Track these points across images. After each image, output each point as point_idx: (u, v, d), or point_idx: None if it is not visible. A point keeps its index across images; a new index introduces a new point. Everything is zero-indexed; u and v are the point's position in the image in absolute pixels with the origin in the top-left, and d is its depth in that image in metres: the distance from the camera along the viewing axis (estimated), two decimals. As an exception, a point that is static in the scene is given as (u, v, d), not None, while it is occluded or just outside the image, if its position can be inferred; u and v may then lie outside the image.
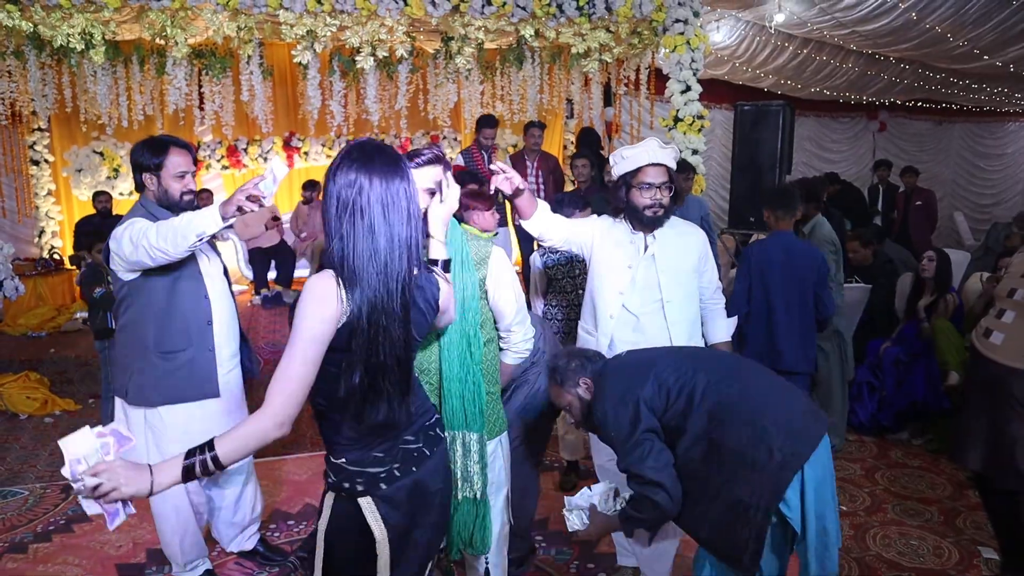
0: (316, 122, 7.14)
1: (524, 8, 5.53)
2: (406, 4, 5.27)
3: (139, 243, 2.44)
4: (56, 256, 8.05)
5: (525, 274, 5.19)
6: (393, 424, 1.67)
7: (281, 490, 3.88)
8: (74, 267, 7.49)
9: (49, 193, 8.31)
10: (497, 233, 2.67)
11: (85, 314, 6.36)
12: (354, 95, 6.86)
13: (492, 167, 2.52)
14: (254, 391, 3.24)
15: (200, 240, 2.39)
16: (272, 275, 8.27)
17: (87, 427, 1.48)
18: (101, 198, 7.50)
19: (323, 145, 8.94)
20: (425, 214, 1.92)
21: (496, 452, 2.39)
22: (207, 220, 2.37)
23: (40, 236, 8.32)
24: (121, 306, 2.71)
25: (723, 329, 3.01)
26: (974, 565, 3.20)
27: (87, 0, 4.92)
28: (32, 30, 5.09)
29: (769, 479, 2.00)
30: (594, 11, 5.63)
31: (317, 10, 5.18)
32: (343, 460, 1.66)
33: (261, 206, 2.37)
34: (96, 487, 1.40)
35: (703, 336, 2.96)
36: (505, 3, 5.43)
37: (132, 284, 2.63)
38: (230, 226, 2.45)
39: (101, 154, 8.28)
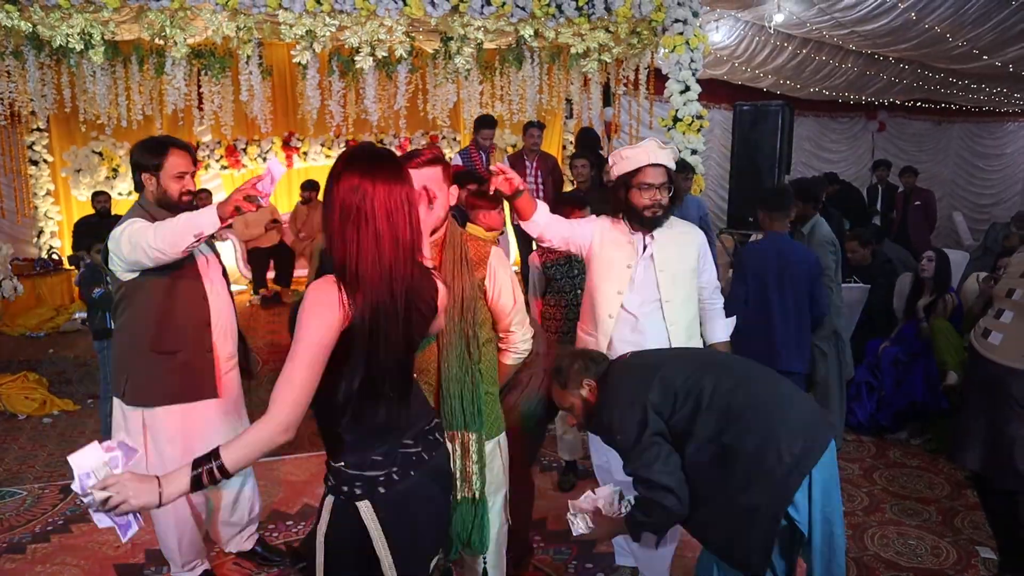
0: (315, 122, 7.14)
1: (523, 8, 5.53)
2: (405, 4, 5.27)
3: (137, 243, 2.44)
4: (55, 256, 8.04)
5: (524, 274, 5.19)
6: (393, 427, 1.67)
7: (279, 490, 3.88)
8: (73, 267, 7.48)
9: (48, 193, 8.30)
10: (503, 232, 2.67)
11: (84, 314, 6.36)
12: (353, 95, 6.85)
13: (492, 168, 2.52)
14: (252, 392, 3.25)
15: (198, 240, 2.39)
16: (271, 275, 8.26)
17: (95, 442, 1.50)
18: (100, 198, 7.49)
19: (322, 145, 8.94)
20: None
21: (495, 452, 2.38)
22: (205, 220, 2.37)
23: (39, 236, 8.31)
24: (119, 306, 2.71)
25: (722, 329, 3.01)
26: (972, 565, 3.20)
27: (86, 0, 4.92)
28: (31, 30, 5.09)
29: (778, 482, 1.99)
30: (593, 11, 5.63)
31: (316, 10, 5.18)
32: (342, 464, 1.66)
33: (259, 207, 2.37)
34: (106, 500, 1.42)
35: (702, 336, 2.96)
36: (504, 3, 5.43)
37: (131, 284, 2.63)
38: (229, 226, 2.45)
39: (100, 154, 8.27)
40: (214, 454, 1.48)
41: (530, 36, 5.75)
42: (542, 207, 2.71)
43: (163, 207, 2.67)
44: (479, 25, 5.57)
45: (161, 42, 5.45)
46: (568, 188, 7.20)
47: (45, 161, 8.25)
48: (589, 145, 6.75)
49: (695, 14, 5.75)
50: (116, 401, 2.78)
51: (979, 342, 2.95)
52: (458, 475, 2.21)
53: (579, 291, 3.55)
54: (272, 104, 7.09)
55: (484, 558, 2.45)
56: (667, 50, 5.79)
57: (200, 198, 6.46)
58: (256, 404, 4.89)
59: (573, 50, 5.98)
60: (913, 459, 4.31)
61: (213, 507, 3.10)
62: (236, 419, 2.90)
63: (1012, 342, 2.83)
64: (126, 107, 6.32)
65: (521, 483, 2.85)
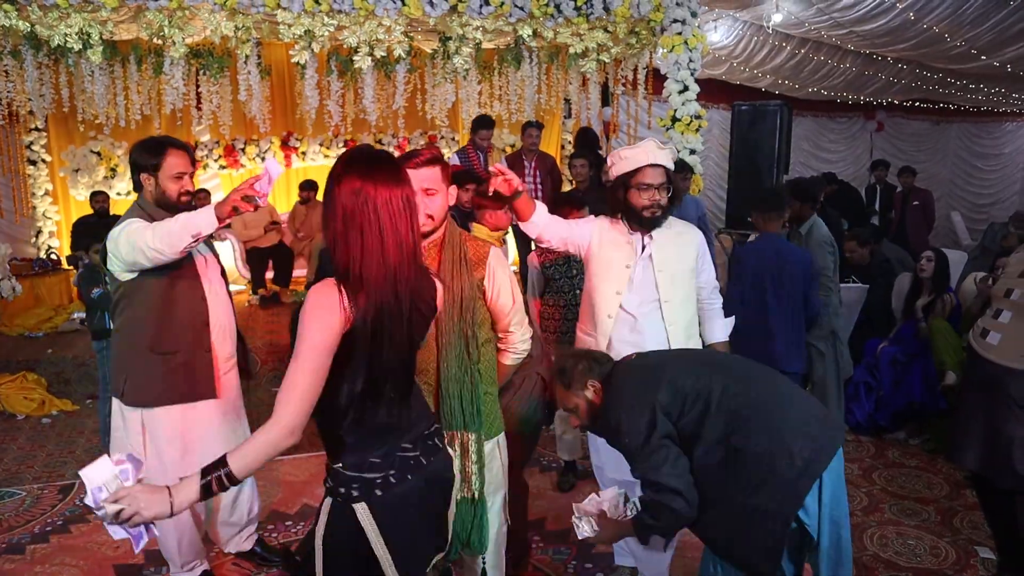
0: (314, 122, 7.13)
1: (522, 8, 5.53)
2: (404, 4, 5.27)
3: (135, 244, 2.44)
4: (53, 256, 8.03)
5: (523, 274, 5.19)
6: (393, 427, 1.67)
7: (278, 491, 3.88)
8: (71, 267, 7.48)
9: (46, 193, 8.29)
10: (509, 231, 2.68)
11: (83, 314, 6.35)
12: (352, 95, 6.85)
13: (491, 169, 2.52)
14: (251, 392, 3.25)
15: (196, 241, 2.39)
16: (270, 275, 8.26)
17: (105, 456, 1.54)
18: (98, 198, 7.49)
19: (321, 145, 8.93)
20: None
21: (494, 452, 2.38)
22: (202, 221, 2.37)
23: (37, 236, 8.30)
24: (118, 307, 2.71)
25: (721, 329, 3.02)
26: (971, 565, 3.20)
27: (84, 0, 4.91)
28: (29, 30, 5.08)
29: (789, 486, 1.98)
30: (592, 11, 5.63)
31: (315, 10, 5.18)
32: (340, 465, 1.66)
33: (257, 207, 2.36)
34: (119, 513, 1.45)
35: (700, 336, 2.97)
36: (503, 3, 5.43)
37: (129, 284, 2.63)
38: (228, 226, 2.45)
39: (98, 154, 8.26)
40: (222, 461, 1.50)
41: (528, 36, 5.75)
42: (541, 208, 2.71)
43: (162, 207, 2.67)
44: (477, 25, 5.57)
45: (159, 42, 5.45)
46: (567, 188, 7.21)
47: (43, 161, 8.24)
48: (588, 145, 6.76)
49: (693, 14, 5.75)
50: (115, 401, 2.78)
51: (977, 342, 2.96)
52: (458, 475, 2.20)
53: (578, 291, 3.55)
54: (271, 104, 7.09)
55: (483, 558, 2.45)
56: (665, 50, 5.79)
57: (199, 198, 6.46)
58: (255, 404, 4.91)
59: (572, 50, 5.98)
60: (912, 459, 4.32)
61: (212, 507, 3.09)
62: (235, 419, 2.90)
63: (1010, 342, 2.83)
64: (124, 107, 6.31)
65: (515, 484, 2.85)
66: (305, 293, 8.53)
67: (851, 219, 7.50)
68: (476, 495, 2.24)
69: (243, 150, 8.72)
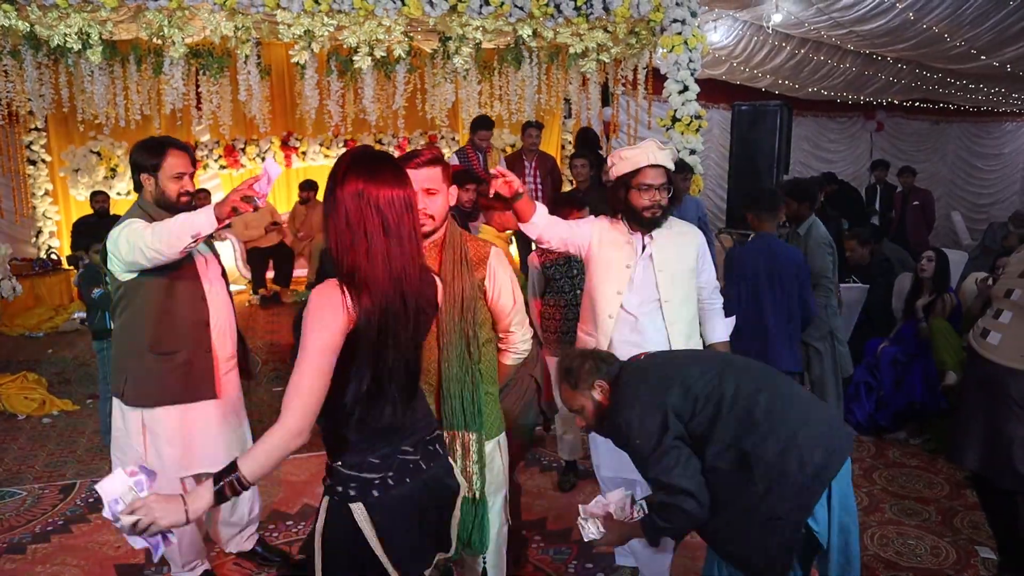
0: (314, 122, 7.13)
1: (522, 8, 5.53)
2: (404, 4, 5.27)
3: (135, 244, 2.44)
4: (53, 256, 8.04)
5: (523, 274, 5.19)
6: (396, 428, 1.68)
7: (279, 490, 3.88)
8: (72, 267, 7.48)
9: (46, 193, 8.30)
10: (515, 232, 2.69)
11: (83, 314, 6.36)
12: (352, 95, 6.86)
13: (492, 171, 2.52)
14: (252, 392, 3.25)
15: (195, 241, 2.39)
16: (270, 275, 8.26)
17: (119, 468, 1.58)
18: (98, 198, 7.49)
19: (321, 145, 8.94)
20: None
21: (495, 452, 2.39)
22: (202, 221, 2.37)
23: (37, 236, 8.31)
24: (119, 307, 2.71)
25: (721, 329, 3.02)
26: (971, 565, 3.20)
27: (84, 0, 4.91)
28: (29, 30, 5.08)
29: (800, 491, 1.96)
30: (592, 11, 5.63)
31: (314, 10, 5.18)
32: (340, 463, 1.66)
33: (256, 208, 2.36)
34: (135, 523, 1.48)
35: (701, 336, 2.97)
36: (503, 3, 5.43)
37: (129, 285, 2.63)
38: (228, 226, 2.45)
39: (98, 154, 8.27)
40: (232, 466, 1.52)
41: (528, 36, 5.75)
42: (541, 209, 2.71)
43: (162, 207, 2.67)
44: (477, 25, 5.57)
45: (159, 42, 5.45)
46: (567, 188, 7.21)
47: (43, 161, 8.24)
48: (588, 145, 6.76)
49: (693, 14, 5.75)
50: (115, 401, 2.78)
51: (978, 342, 2.95)
52: (458, 475, 2.20)
53: (578, 291, 3.55)
54: (270, 104, 7.09)
55: (484, 558, 2.45)
56: (665, 50, 5.79)
57: (199, 198, 6.46)
58: (255, 404, 4.91)
59: (572, 50, 5.97)
60: (912, 459, 4.32)
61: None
62: (235, 420, 2.90)
63: (1011, 342, 2.83)
64: (124, 107, 6.32)
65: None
66: (305, 293, 8.58)
67: (851, 219, 7.51)
68: (477, 495, 2.24)
69: (243, 150, 8.72)
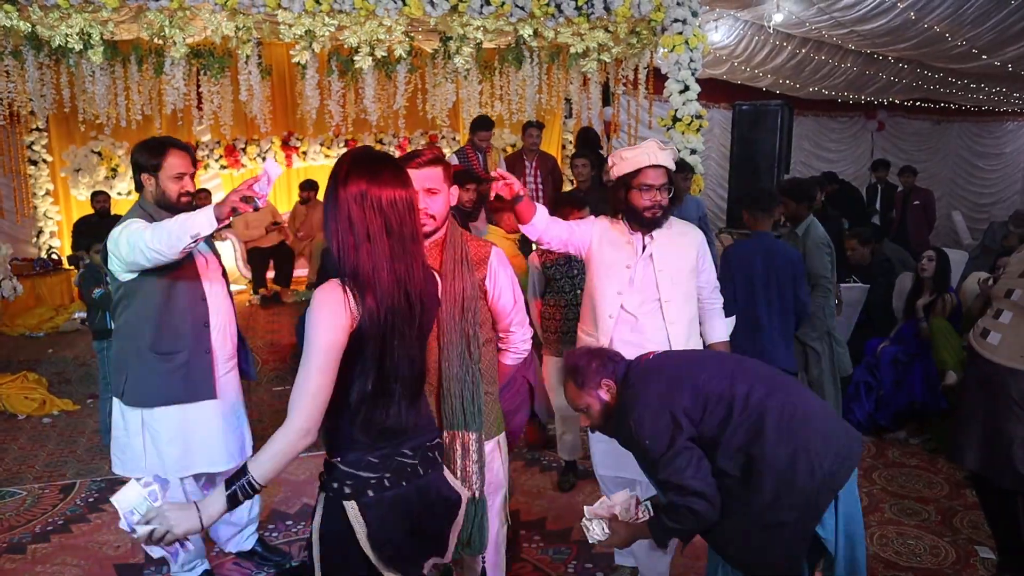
0: (314, 122, 7.15)
1: (523, 8, 5.53)
2: (404, 4, 5.27)
3: (135, 244, 2.44)
4: (54, 256, 8.05)
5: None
6: (399, 431, 1.68)
7: (279, 490, 3.88)
8: (72, 267, 7.50)
9: (47, 193, 8.31)
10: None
11: (83, 314, 6.37)
12: (352, 95, 6.86)
13: (493, 174, 2.53)
14: (252, 392, 3.25)
15: (195, 241, 2.39)
16: (271, 275, 8.27)
17: (133, 481, 1.61)
18: (99, 198, 7.50)
19: (321, 145, 8.95)
20: None
21: (494, 452, 2.39)
22: (201, 221, 2.36)
23: (38, 236, 8.32)
24: (119, 307, 2.71)
25: (721, 328, 3.02)
26: (971, 564, 3.20)
27: (85, 0, 4.92)
28: (30, 30, 5.09)
29: (810, 498, 1.94)
30: (592, 11, 5.63)
31: (315, 10, 5.18)
32: (338, 459, 1.67)
33: (255, 208, 2.36)
34: (151, 533, 1.51)
35: (701, 336, 2.97)
36: (504, 3, 5.43)
37: (130, 285, 2.63)
38: (229, 226, 2.45)
39: (99, 154, 8.28)
40: (243, 470, 1.54)
41: (529, 36, 5.75)
42: (541, 211, 2.71)
43: (162, 208, 2.67)
44: (478, 25, 5.57)
45: (160, 42, 5.46)
46: (568, 188, 7.21)
47: (44, 161, 8.26)
48: (589, 145, 6.76)
49: (694, 14, 5.75)
50: (115, 401, 2.78)
51: (978, 342, 2.95)
52: (458, 475, 2.21)
53: (579, 291, 3.55)
54: (271, 104, 7.10)
55: (483, 557, 2.45)
56: (666, 50, 5.79)
57: (199, 198, 6.48)
58: (255, 404, 4.91)
59: (572, 50, 5.98)
60: (912, 459, 4.32)
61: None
62: (235, 420, 2.90)
63: (1011, 342, 2.83)
64: (125, 107, 6.32)
65: None
66: (306, 293, 8.59)
67: (852, 219, 7.50)
68: (476, 494, 2.24)
69: (244, 150, 8.73)
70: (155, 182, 2.68)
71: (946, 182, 13.59)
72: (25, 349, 6.43)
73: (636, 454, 2.16)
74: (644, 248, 2.75)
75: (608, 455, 2.74)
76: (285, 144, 8.84)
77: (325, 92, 6.29)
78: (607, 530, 2.20)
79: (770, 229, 3.95)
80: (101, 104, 5.97)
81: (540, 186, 6.56)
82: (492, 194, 2.52)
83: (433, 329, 2.06)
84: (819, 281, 4.04)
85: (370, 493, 1.65)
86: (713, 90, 9.33)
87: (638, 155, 2.69)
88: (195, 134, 8.46)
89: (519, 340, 2.44)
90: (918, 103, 12.37)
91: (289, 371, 5.67)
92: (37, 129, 8.10)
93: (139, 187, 2.74)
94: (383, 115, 6.84)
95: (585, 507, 2.27)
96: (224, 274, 2.91)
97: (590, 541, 2.22)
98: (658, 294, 2.73)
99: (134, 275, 2.60)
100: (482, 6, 5.44)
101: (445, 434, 2.20)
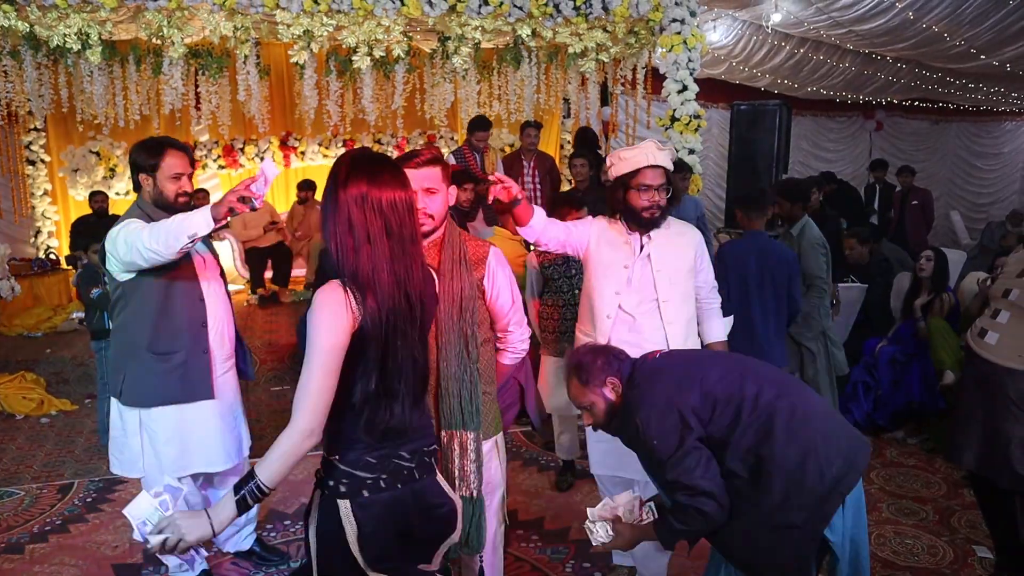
0: (313, 122, 7.14)
1: (521, 8, 5.53)
2: (403, 4, 5.27)
3: (133, 244, 2.44)
4: (52, 256, 8.04)
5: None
6: (399, 432, 1.68)
7: (278, 490, 3.87)
8: (70, 267, 7.49)
9: (45, 193, 8.30)
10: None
11: (81, 314, 6.36)
12: (351, 95, 6.86)
13: (491, 177, 2.53)
14: (250, 392, 3.25)
15: (192, 241, 2.39)
16: (269, 275, 8.27)
17: (144, 492, 1.64)
18: (97, 198, 7.50)
19: (320, 145, 8.94)
20: None
21: (492, 452, 2.39)
22: (198, 221, 2.36)
23: (36, 236, 8.31)
24: (117, 307, 2.71)
25: (719, 328, 3.02)
26: (969, 564, 3.21)
27: (83, 0, 4.91)
28: (28, 30, 5.08)
29: (818, 501, 1.93)
30: (591, 11, 5.63)
31: (314, 10, 5.18)
32: (336, 457, 1.67)
33: (253, 208, 2.36)
34: (164, 542, 1.52)
35: (699, 336, 2.97)
36: (502, 3, 5.43)
37: (127, 285, 2.63)
38: (227, 226, 2.45)
39: (97, 154, 8.27)
40: (250, 474, 1.55)
41: (528, 36, 5.75)
42: (539, 212, 2.71)
43: (160, 208, 2.67)
44: (476, 25, 5.57)
45: (158, 42, 5.45)
46: (566, 188, 7.21)
47: (42, 161, 8.25)
48: (587, 144, 6.76)
49: (693, 13, 5.75)
50: (113, 401, 2.78)
51: (975, 342, 2.96)
52: (456, 474, 2.21)
53: (577, 291, 3.55)
54: (269, 104, 7.09)
55: (481, 557, 2.45)
56: (665, 50, 5.79)
57: (197, 198, 6.48)
58: (253, 404, 4.91)
59: (571, 50, 5.97)
60: (910, 458, 4.32)
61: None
62: (232, 420, 2.90)
63: (1008, 342, 2.83)
64: (123, 107, 6.33)
65: None
66: (304, 293, 8.56)
67: (850, 218, 7.51)
68: (474, 494, 2.24)
69: (242, 150, 8.73)
70: (153, 182, 2.68)
71: (944, 182, 13.60)
72: (23, 349, 6.43)
73: (641, 454, 2.14)
74: (642, 248, 2.75)
75: (609, 455, 2.74)
76: (283, 144, 8.84)
77: (323, 92, 6.28)
78: (611, 532, 2.18)
79: (764, 228, 3.95)
80: (99, 104, 5.97)
81: (538, 186, 6.55)
82: (490, 197, 2.52)
83: (431, 328, 2.06)
84: (814, 281, 4.05)
85: (365, 494, 1.65)
86: (711, 90, 9.34)
87: (636, 155, 2.69)
88: (193, 134, 8.45)
89: (517, 340, 2.44)
90: (916, 103, 12.38)
91: (287, 371, 5.68)
92: (35, 129, 8.10)
93: (137, 187, 2.74)
94: (381, 115, 6.84)
95: (588, 509, 2.24)
96: (222, 274, 2.91)
97: (594, 543, 2.20)
98: (656, 294, 2.74)
99: (132, 275, 2.60)
100: (480, 6, 5.44)
101: (443, 433, 2.20)
